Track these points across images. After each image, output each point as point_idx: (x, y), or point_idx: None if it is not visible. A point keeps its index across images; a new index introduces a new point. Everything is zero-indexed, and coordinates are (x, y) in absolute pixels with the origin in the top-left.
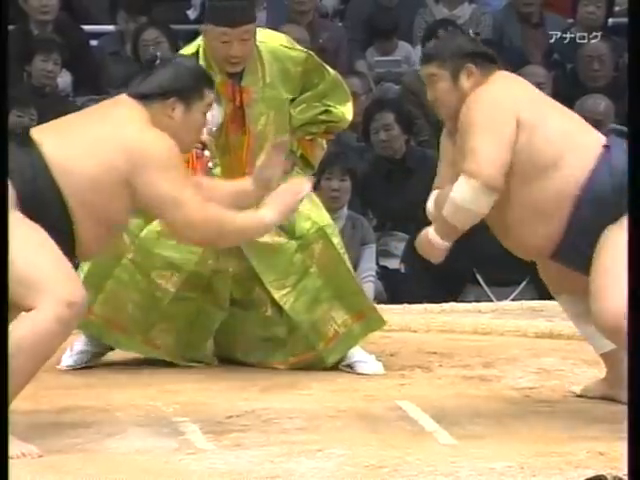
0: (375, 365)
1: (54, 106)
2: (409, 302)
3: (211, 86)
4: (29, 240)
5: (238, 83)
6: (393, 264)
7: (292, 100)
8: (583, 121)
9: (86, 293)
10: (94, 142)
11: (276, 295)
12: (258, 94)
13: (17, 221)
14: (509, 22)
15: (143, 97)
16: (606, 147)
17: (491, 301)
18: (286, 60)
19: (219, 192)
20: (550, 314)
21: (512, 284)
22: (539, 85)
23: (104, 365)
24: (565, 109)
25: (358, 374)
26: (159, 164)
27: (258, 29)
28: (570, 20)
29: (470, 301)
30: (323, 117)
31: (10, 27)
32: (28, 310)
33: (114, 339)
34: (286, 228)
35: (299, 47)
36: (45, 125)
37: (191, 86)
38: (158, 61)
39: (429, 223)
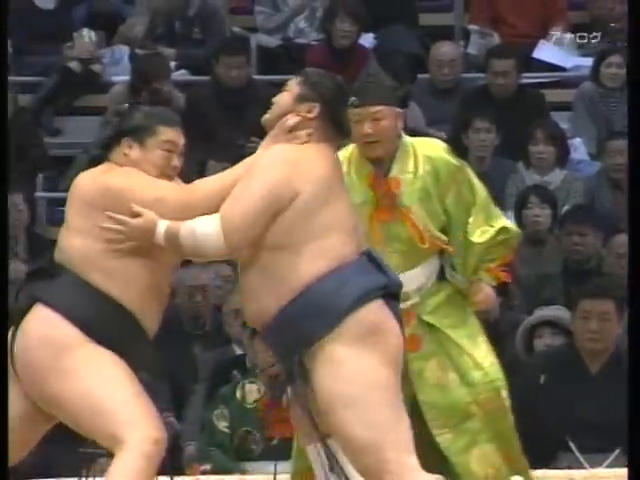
0: None
1: None
2: None
3: (167, 123)
4: (108, 373)
5: (384, 172)
6: None
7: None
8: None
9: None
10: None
11: (435, 432)
12: (408, 186)
13: (94, 354)
14: (601, 188)
15: (107, 148)
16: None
17: (584, 468)
18: (439, 162)
19: None
20: None
21: (605, 451)
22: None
23: None
24: None
25: None
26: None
27: (421, 139)
28: None
29: (563, 468)
30: (501, 237)
31: None
32: (105, 438)
33: None
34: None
35: (455, 158)
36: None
37: (141, 124)
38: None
39: None
